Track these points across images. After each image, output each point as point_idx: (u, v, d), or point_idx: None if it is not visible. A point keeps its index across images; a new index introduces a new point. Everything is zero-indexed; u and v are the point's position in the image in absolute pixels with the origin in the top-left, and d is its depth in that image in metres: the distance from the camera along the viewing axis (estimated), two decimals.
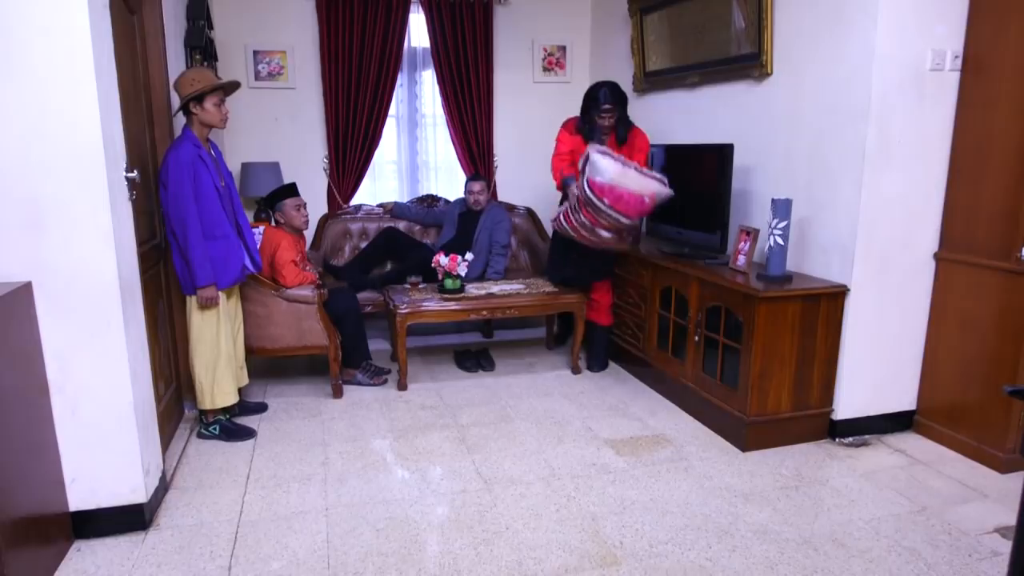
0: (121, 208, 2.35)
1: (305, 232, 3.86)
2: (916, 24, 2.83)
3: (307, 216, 3.78)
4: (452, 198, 4.85)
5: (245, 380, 3.39)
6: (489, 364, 4.17)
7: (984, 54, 2.84)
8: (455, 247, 4.24)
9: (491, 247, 4.46)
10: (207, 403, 3.11)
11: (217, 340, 3.06)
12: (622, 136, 3.76)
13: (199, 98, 2.89)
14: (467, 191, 4.52)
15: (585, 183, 3.31)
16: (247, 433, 3.21)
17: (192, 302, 3.01)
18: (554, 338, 4.59)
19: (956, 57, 2.91)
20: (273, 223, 3.76)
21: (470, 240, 4.44)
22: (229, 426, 3.19)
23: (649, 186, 3.28)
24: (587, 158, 3.33)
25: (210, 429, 3.16)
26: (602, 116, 3.66)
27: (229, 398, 3.15)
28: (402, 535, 2.42)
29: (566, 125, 3.84)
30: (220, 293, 3.01)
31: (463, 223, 4.56)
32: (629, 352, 4.03)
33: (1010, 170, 2.76)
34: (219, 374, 3.09)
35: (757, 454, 3.03)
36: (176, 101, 3.08)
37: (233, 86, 3.06)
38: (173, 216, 2.85)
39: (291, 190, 3.77)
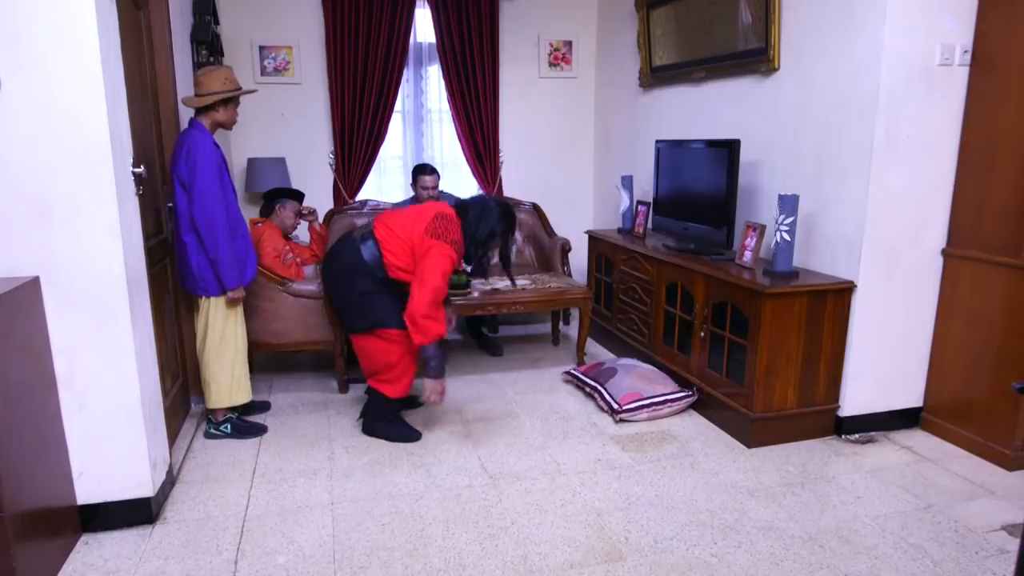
0: (128, 203, 2.36)
1: (289, 236, 3.93)
2: (925, 18, 2.81)
3: (298, 225, 3.93)
4: (457, 194, 4.78)
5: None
6: (496, 348, 4.29)
7: (994, 49, 2.82)
8: None
9: None
10: (225, 401, 3.09)
11: (236, 338, 3.07)
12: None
13: (227, 99, 2.91)
14: (420, 186, 4.24)
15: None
16: (259, 430, 3.21)
17: (213, 304, 2.98)
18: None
19: (965, 52, 2.89)
20: (261, 214, 3.82)
21: None
22: (241, 424, 3.19)
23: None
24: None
25: (221, 428, 3.15)
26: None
27: (246, 395, 3.16)
28: (407, 530, 2.42)
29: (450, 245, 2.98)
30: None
31: None
32: (634, 348, 4.03)
33: (1019, 166, 2.73)
34: (237, 371, 3.09)
35: (763, 450, 3.02)
36: (187, 92, 3.09)
37: (249, 92, 3.12)
38: (200, 217, 2.78)
39: (300, 196, 3.93)
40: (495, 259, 3.28)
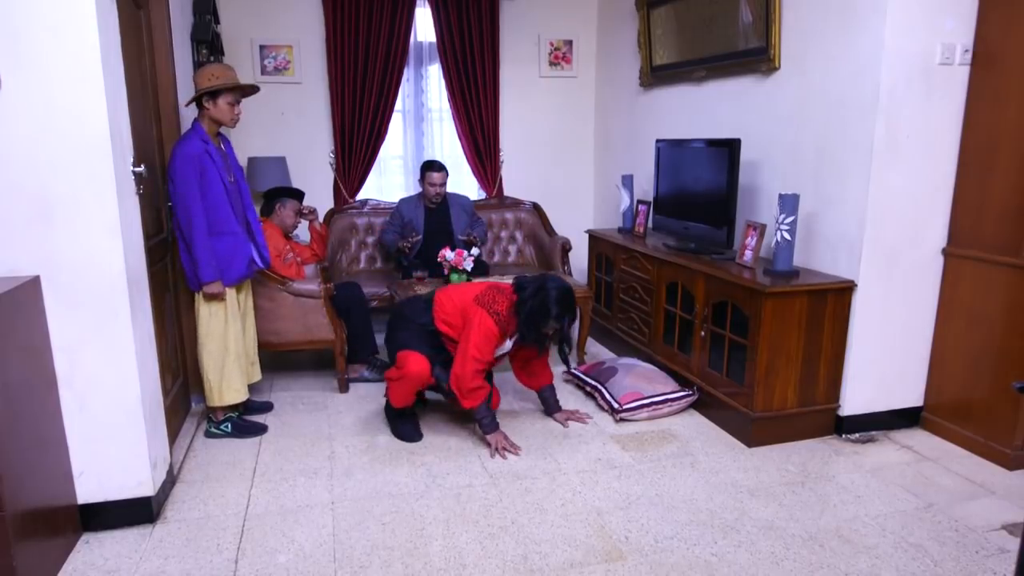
0: (128, 202, 2.36)
1: (289, 235, 3.93)
2: (925, 18, 2.81)
3: (299, 224, 3.93)
4: (459, 193, 4.77)
5: (257, 376, 3.39)
6: None
7: (994, 48, 2.82)
8: (431, 251, 4.13)
9: (470, 232, 4.48)
10: (215, 400, 3.09)
11: (225, 336, 3.05)
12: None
13: (214, 94, 2.89)
14: (428, 182, 4.29)
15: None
16: (259, 429, 3.21)
17: (199, 298, 3.00)
18: None
19: (966, 51, 2.89)
20: (261, 214, 3.84)
21: (446, 240, 4.28)
22: (240, 423, 3.19)
23: None
24: None
25: (221, 428, 3.15)
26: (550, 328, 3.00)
27: (238, 395, 3.13)
28: (408, 529, 2.42)
29: (494, 321, 2.98)
30: (228, 289, 3.01)
31: (430, 223, 4.38)
32: (635, 347, 4.02)
33: (1019, 166, 2.73)
34: (227, 370, 3.07)
35: (763, 450, 3.02)
36: (187, 91, 3.08)
37: (251, 89, 3.06)
38: (179, 211, 2.84)
39: (301, 195, 3.93)
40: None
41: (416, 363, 2.99)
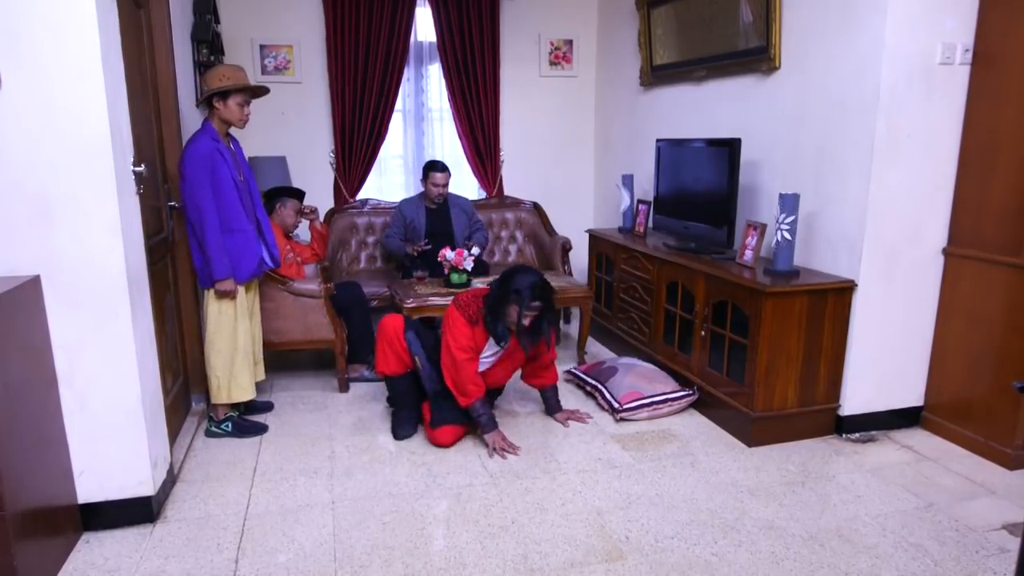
0: (128, 202, 2.36)
1: (290, 235, 3.93)
2: (926, 17, 2.81)
3: (299, 223, 3.94)
4: (461, 194, 4.77)
5: (261, 375, 3.39)
6: None
7: (995, 48, 2.82)
8: (431, 251, 4.13)
9: (471, 233, 4.51)
10: (223, 397, 3.09)
11: (234, 334, 3.05)
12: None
13: (224, 94, 2.90)
14: (431, 183, 4.31)
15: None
16: (260, 429, 3.21)
17: (210, 295, 3.00)
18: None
19: (966, 51, 2.89)
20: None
21: (447, 241, 4.28)
22: (241, 423, 3.19)
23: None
24: None
25: (222, 427, 3.15)
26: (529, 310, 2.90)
27: (245, 393, 3.13)
28: (408, 528, 2.42)
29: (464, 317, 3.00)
30: (238, 287, 3.01)
31: (431, 224, 4.39)
32: (635, 347, 4.02)
33: (1019, 166, 2.73)
34: (236, 368, 3.08)
35: (763, 449, 3.02)
36: (187, 91, 3.08)
37: (261, 90, 3.07)
38: (191, 209, 2.85)
39: (301, 195, 3.93)
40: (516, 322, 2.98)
41: (390, 318, 3.16)
